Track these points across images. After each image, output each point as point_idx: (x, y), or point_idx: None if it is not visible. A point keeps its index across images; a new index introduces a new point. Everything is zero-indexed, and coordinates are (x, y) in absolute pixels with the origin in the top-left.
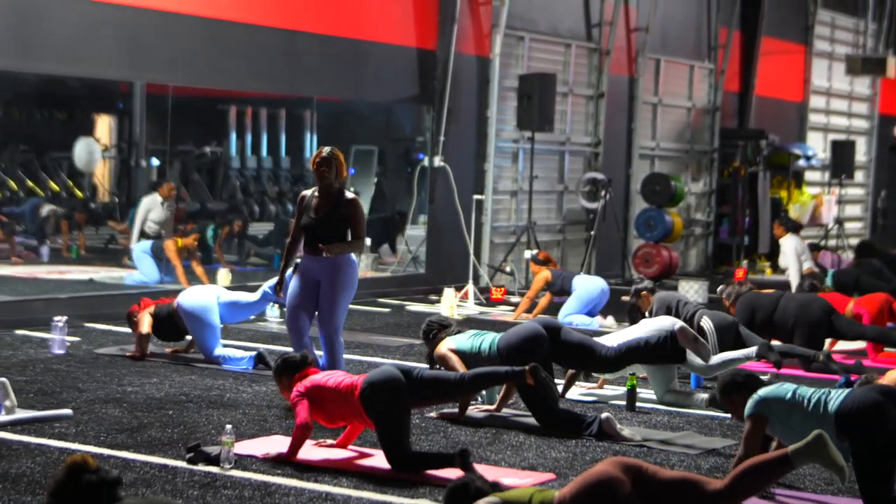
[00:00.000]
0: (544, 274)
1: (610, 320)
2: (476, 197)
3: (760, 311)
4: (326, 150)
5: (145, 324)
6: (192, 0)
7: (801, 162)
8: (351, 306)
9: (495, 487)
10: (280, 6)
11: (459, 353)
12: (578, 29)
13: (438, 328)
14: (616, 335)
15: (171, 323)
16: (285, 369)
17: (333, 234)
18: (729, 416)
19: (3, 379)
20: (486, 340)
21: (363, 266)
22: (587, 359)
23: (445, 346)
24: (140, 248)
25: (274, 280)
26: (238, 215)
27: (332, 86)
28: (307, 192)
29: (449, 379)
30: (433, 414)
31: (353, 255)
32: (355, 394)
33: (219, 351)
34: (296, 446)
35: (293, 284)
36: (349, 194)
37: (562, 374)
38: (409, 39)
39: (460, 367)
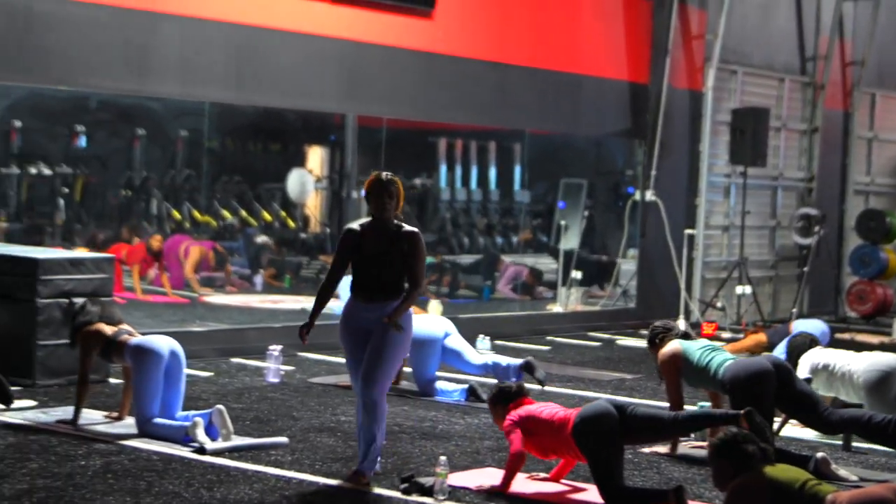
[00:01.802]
0: (758, 336)
1: None
2: (687, 231)
3: None
4: (384, 175)
5: None
6: (406, 33)
7: None
8: (560, 339)
9: (767, 458)
10: (492, 39)
11: (685, 361)
12: (793, 63)
13: (664, 331)
14: (831, 354)
15: None
16: (500, 398)
17: (391, 276)
18: None
19: (221, 406)
20: (716, 360)
21: (573, 299)
22: (808, 412)
23: (671, 347)
24: (348, 281)
25: (496, 358)
26: (447, 251)
27: (544, 119)
28: (354, 226)
29: (663, 418)
30: (646, 449)
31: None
32: (568, 427)
33: (434, 384)
34: (510, 476)
35: (346, 340)
36: (408, 227)
37: None
38: (622, 73)
39: (677, 383)
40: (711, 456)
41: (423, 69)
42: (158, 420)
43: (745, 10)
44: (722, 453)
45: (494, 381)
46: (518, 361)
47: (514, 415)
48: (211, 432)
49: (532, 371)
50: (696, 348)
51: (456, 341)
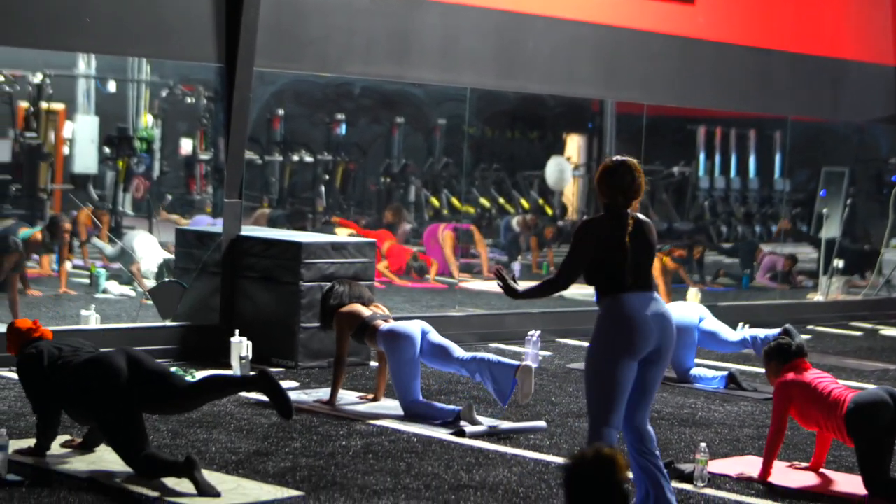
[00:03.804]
0: None
1: None
2: None
3: None
4: None
5: None
6: (666, 19)
7: None
8: (821, 328)
9: None
10: (754, 24)
11: None
12: None
13: None
14: None
15: None
16: (777, 354)
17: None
18: None
19: (530, 363)
20: None
21: (834, 288)
22: None
23: None
24: None
25: (754, 332)
26: (702, 238)
27: (807, 105)
28: None
29: None
30: None
31: (611, 305)
32: (840, 409)
33: (692, 370)
34: (769, 456)
35: None
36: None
37: None
38: (887, 57)
39: None
40: None
41: (683, 55)
42: (425, 402)
43: None
44: None
45: (755, 369)
46: (776, 331)
47: (788, 380)
48: (511, 385)
49: (791, 338)
50: None
51: (711, 323)
